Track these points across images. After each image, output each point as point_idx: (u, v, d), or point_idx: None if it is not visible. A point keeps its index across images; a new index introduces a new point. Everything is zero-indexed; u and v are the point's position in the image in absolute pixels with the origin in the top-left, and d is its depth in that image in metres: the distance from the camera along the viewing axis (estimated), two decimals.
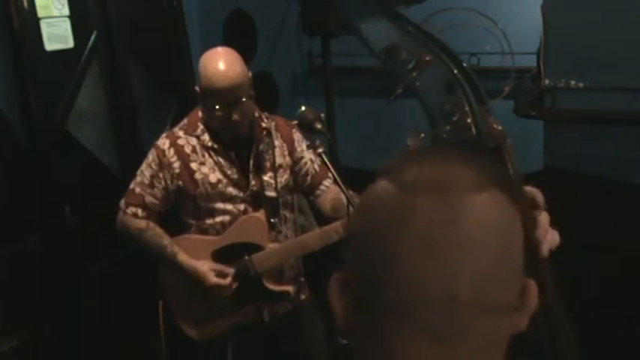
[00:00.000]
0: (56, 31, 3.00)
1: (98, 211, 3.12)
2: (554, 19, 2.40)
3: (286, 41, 3.47)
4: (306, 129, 2.10)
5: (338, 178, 1.98)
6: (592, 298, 2.27)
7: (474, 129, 0.88)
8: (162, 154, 2.18)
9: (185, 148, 2.18)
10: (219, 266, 2.20)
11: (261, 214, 2.19)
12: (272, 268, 2.22)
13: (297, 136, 2.25)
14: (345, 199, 1.94)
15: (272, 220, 2.20)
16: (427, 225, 0.58)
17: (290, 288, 2.28)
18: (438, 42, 0.91)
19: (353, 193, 2.02)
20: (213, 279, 2.18)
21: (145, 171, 2.21)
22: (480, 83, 0.91)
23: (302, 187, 2.26)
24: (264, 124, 2.21)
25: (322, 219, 2.23)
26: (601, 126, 2.48)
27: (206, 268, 2.19)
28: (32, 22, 2.90)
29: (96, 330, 3.01)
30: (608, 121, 2.45)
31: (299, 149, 2.24)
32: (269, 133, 2.21)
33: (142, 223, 2.24)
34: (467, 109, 0.88)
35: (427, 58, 0.89)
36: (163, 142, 2.19)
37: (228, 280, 2.19)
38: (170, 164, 2.17)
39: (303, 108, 2.12)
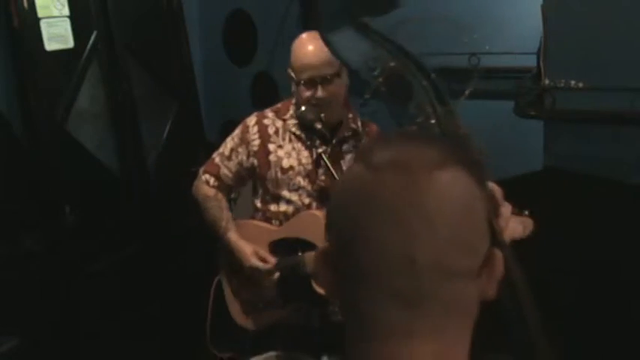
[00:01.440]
0: (56, 31, 3.00)
1: (98, 211, 3.13)
2: (554, 19, 2.40)
3: (286, 41, 3.47)
4: (306, 129, 2.10)
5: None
6: (591, 298, 2.27)
7: (438, 129, 0.95)
8: (246, 129, 2.23)
9: (269, 129, 2.21)
10: (263, 252, 2.20)
11: (320, 213, 2.15)
12: None
13: None
14: None
15: None
16: (391, 198, 0.64)
17: None
18: (402, 49, 0.97)
19: None
20: (253, 260, 2.18)
21: (227, 143, 2.27)
22: (443, 86, 0.97)
23: None
24: (353, 125, 2.20)
25: None
26: (601, 126, 2.48)
27: (249, 249, 2.19)
28: (32, 22, 2.90)
29: (96, 330, 3.01)
30: (608, 121, 2.44)
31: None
32: (357, 135, 2.19)
33: (210, 191, 2.27)
34: (429, 110, 0.94)
35: (391, 64, 0.95)
36: (251, 119, 2.25)
37: (268, 266, 2.17)
38: (250, 141, 2.21)
39: (303, 108, 2.13)
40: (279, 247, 2.21)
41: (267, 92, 3.57)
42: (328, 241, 0.70)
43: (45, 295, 2.92)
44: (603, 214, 2.33)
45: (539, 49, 2.44)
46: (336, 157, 2.16)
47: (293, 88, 2.17)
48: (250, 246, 2.20)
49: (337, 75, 2.07)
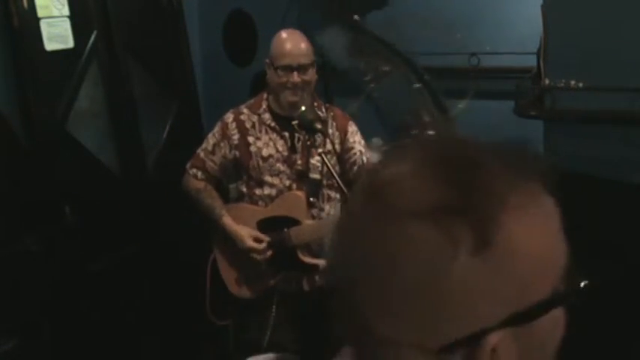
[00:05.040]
0: (56, 31, 3.00)
1: (98, 211, 3.13)
2: (554, 19, 2.40)
3: None
4: (306, 129, 2.19)
5: (338, 179, 2.04)
6: (592, 297, 2.27)
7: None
8: (225, 126, 2.47)
9: (246, 123, 2.45)
10: (257, 233, 2.44)
11: (302, 193, 2.41)
12: (307, 242, 2.41)
13: (351, 128, 2.46)
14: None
15: (311, 199, 2.41)
16: (364, 245, 0.58)
17: (321, 262, 2.43)
18: (398, 52, 0.91)
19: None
20: (249, 242, 2.42)
21: (209, 139, 2.51)
22: (438, 89, 0.92)
23: (348, 175, 2.41)
24: (319, 113, 2.40)
25: None
26: (601, 126, 2.48)
27: (245, 232, 2.43)
28: (32, 22, 2.91)
29: (96, 330, 3.02)
30: (608, 121, 2.44)
31: (351, 140, 2.43)
32: (324, 121, 2.39)
33: (200, 184, 2.52)
34: (427, 119, 0.88)
35: (385, 69, 0.90)
36: (228, 117, 2.49)
37: (263, 245, 2.41)
38: (230, 136, 2.45)
39: (303, 108, 2.19)
40: (266, 224, 2.44)
41: None
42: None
43: (45, 295, 2.92)
44: (603, 214, 2.33)
45: (539, 49, 2.44)
46: (307, 143, 2.40)
47: (269, 76, 2.40)
48: (245, 229, 2.44)
49: (311, 65, 2.35)
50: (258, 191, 2.45)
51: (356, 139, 2.45)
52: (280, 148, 2.41)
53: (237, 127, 2.46)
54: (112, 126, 3.29)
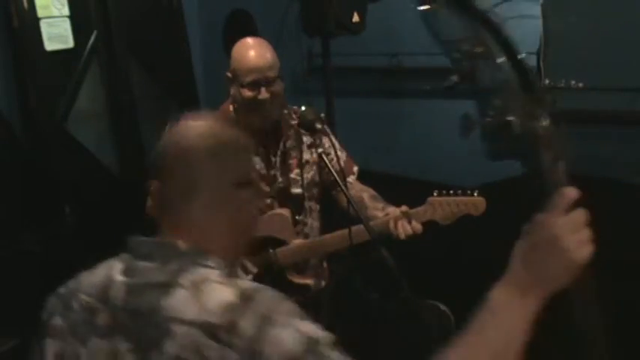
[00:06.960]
0: (56, 31, 3.00)
1: (98, 211, 3.12)
2: (554, 19, 2.41)
3: (286, 41, 3.47)
4: (306, 129, 2.14)
5: (338, 179, 2.02)
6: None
7: (513, 125, 0.92)
8: None
9: None
10: (243, 262, 2.27)
11: (286, 211, 2.25)
12: (295, 261, 2.28)
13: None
14: (360, 198, 2.09)
15: (297, 217, 2.27)
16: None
17: (311, 281, 2.33)
18: (499, 34, 0.90)
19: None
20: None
21: None
22: (534, 73, 0.91)
23: (326, 181, 2.30)
24: (292, 122, 2.26)
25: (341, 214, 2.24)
26: (601, 126, 2.48)
27: None
28: (32, 22, 2.90)
29: None
30: (608, 121, 2.45)
31: (326, 145, 2.23)
32: (297, 130, 2.26)
33: None
34: (513, 104, 0.90)
35: (479, 50, 0.90)
36: None
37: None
38: None
39: (303, 108, 2.17)
40: None
41: None
42: None
43: (45, 295, 2.91)
44: (603, 214, 2.33)
45: (539, 49, 2.44)
46: (285, 157, 2.26)
47: (232, 91, 2.21)
48: None
49: (279, 77, 2.16)
50: None
51: (330, 144, 2.25)
52: (257, 166, 2.22)
53: None
54: (112, 126, 3.29)
